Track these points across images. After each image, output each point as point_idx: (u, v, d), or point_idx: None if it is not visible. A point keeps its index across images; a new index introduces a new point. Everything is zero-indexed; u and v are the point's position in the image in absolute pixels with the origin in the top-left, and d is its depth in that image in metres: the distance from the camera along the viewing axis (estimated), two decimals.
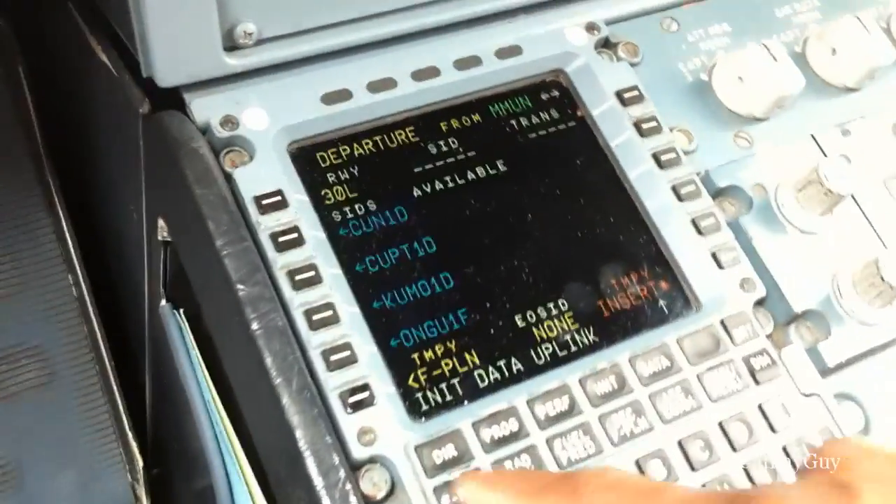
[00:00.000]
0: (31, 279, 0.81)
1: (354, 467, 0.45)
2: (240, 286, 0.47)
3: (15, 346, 0.81)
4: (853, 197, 0.57)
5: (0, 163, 0.79)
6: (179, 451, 0.77)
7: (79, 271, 0.81)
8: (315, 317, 0.47)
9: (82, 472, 0.83)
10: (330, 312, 0.48)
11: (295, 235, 0.49)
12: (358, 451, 0.45)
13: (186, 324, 0.60)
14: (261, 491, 0.52)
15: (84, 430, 0.83)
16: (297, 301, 0.48)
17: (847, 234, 0.56)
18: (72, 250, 0.81)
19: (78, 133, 0.76)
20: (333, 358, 0.47)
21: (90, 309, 0.82)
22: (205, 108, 0.52)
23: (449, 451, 0.46)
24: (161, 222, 0.58)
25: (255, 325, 0.46)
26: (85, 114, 0.72)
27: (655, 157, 0.56)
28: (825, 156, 0.59)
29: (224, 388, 0.55)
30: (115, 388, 0.83)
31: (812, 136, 0.60)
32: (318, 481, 0.44)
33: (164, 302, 0.63)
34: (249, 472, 0.54)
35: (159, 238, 0.59)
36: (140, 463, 0.82)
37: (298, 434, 0.44)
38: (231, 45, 0.53)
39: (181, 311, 0.61)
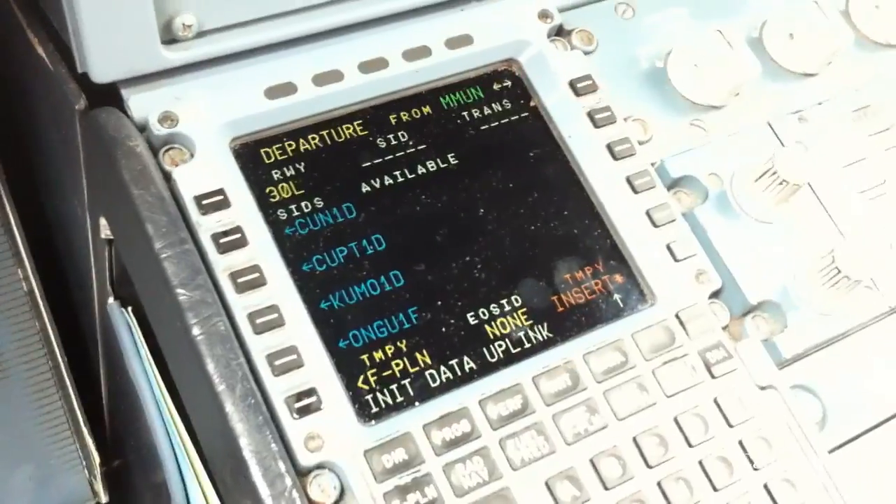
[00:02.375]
0: None
1: (302, 474, 0.44)
2: (180, 290, 0.46)
3: None
4: (810, 185, 0.57)
5: None
6: (136, 445, 0.76)
7: (28, 266, 0.79)
8: (259, 320, 0.46)
9: (38, 469, 0.82)
10: (275, 315, 0.47)
11: (238, 236, 0.48)
12: (305, 458, 0.44)
13: (135, 321, 0.58)
14: (214, 490, 0.51)
15: (39, 426, 0.81)
16: (241, 304, 0.46)
17: (804, 223, 0.56)
18: (20, 245, 0.78)
19: (22, 127, 0.74)
20: (278, 362, 0.45)
21: (41, 304, 0.80)
22: (143, 105, 0.51)
23: (399, 455, 0.45)
24: (103, 221, 0.56)
25: (196, 331, 0.45)
26: (27, 109, 0.70)
27: (609, 148, 0.55)
28: (782, 144, 0.58)
29: (175, 388, 0.54)
30: (68, 383, 0.81)
31: (769, 123, 0.59)
32: (263, 490, 0.42)
33: (111, 300, 0.62)
34: (203, 471, 0.53)
35: (102, 236, 0.57)
36: (96, 458, 0.81)
37: (243, 442, 0.43)
38: (169, 38, 0.51)
39: (129, 308, 0.59)
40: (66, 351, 0.81)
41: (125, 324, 0.59)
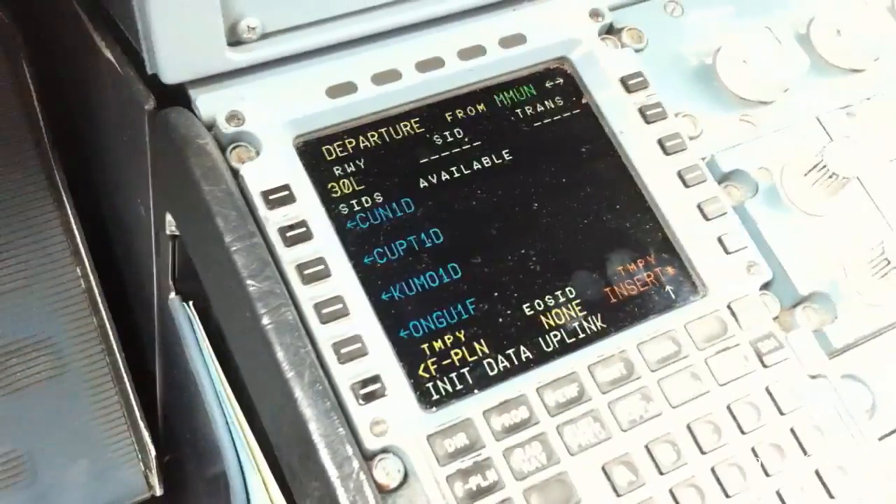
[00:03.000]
0: (39, 273, 0.81)
1: (367, 458, 0.46)
2: (250, 282, 0.47)
3: (26, 339, 0.81)
4: (859, 179, 0.57)
5: (7, 158, 0.80)
6: (191, 439, 0.77)
7: (87, 264, 0.82)
8: (325, 310, 0.48)
9: (95, 462, 0.84)
10: (339, 306, 0.48)
11: (303, 230, 0.50)
12: (371, 442, 0.46)
13: (196, 316, 0.60)
14: (275, 481, 0.53)
15: (96, 420, 0.83)
16: (307, 295, 0.48)
17: (853, 216, 0.56)
18: (79, 244, 0.81)
19: (84, 128, 0.77)
20: (344, 350, 0.47)
21: (99, 301, 0.82)
22: (210, 104, 0.52)
23: (460, 440, 0.46)
24: (169, 217, 0.58)
25: (265, 320, 0.47)
26: (90, 109, 0.72)
27: (661, 143, 0.56)
28: (830, 138, 0.59)
29: (235, 379, 0.56)
30: (125, 378, 0.83)
31: (817, 118, 0.60)
32: (332, 472, 0.44)
33: (173, 295, 0.63)
34: (263, 461, 0.54)
35: (167, 233, 0.59)
36: (153, 452, 0.83)
37: (312, 426, 0.45)
38: (235, 41, 0.53)
39: (191, 303, 0.61)
40: (122, 349, 0.83)
41: (186, 318, 0.61)
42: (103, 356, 0.83)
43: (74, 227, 0.81)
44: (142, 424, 0.84)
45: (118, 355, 0.83)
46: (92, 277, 0.82)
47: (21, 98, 0.78)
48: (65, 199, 0.81)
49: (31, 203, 0.81)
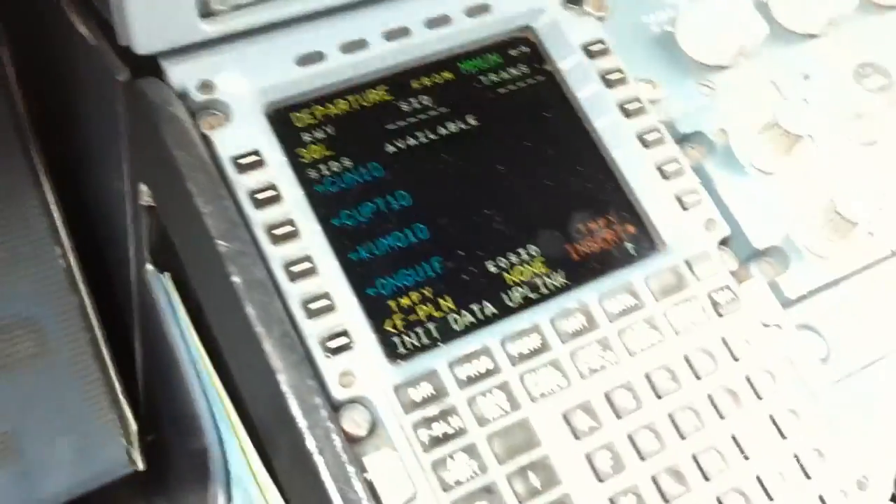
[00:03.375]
0: (19, 252, 0.82)
1: (336, 408, 0.47)
2: (220, 242, 0.49)
3: (7, 317, 0.82)
4: (812, 138, 0.59)
5: None
6: (172, 415, 0.79)
7: (65, 243, 0.83)
8: (294, 268, 0.49)
9: (79, 439, 0.85)
10: (308, 265, 0.50)
11: (273, 193, 0.51)
12: (338, 393, 0.47)
13: (172, 286, 0.62)
14: (252, 446, 0.54)
15: (79, 397, 0.85)
16: (277, 255, 0.50)
17: (806, 174, 0.58)
18: (58, 222, 0.82)
19: (59, 106, 0.78)
20: (312, 307, 0.49)
21: (78, 279, 0.83)
22: (181, 74, 0.54)
23: (426, 389, 0.48)
24: (143, 187, 0.59)
25: (236, 278, 0.48)
26: (66, 87, 0.74)
27: (622, 107, 0.58)
28: (786, 100, 0.61)
29: (212, 349, 0.57)
30: (106, 355, 0.84)
31: (773, 82, 0.62)
32: (301, 422, 0.46)
33: (149, 266, 0.65)
34: (240, 426, 0.56)
35: (142, 203, 0.61)
36: (134, 427, 0.84)
37: (281, 378, 0.46)
38: (206, 12, 0.54)
39: (167, 274, 0.62)
40: (103, 327, 0.85)
41: (163, 288, 0.63)
42: (84, 334, 0.84)
43: (53, 206, 0.82)
44: (123, 401, 0.85)
45: (98, 333, 0.84)
46: (71, 256, 0.83)
47: None
48: (43, 177, 0.82)
49: (10, 183, 0.82)
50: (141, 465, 0.87)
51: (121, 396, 0.85)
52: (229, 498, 0.63)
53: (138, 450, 0.86)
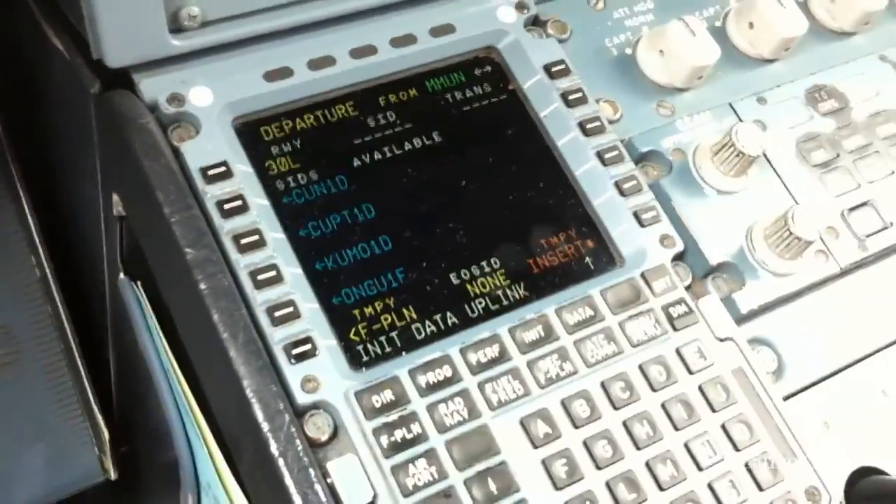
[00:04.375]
0: None
1: (299, 413, 0.48)
2: (188, 250, 0.50)
3: None
4: (767, 158, 0.61)
5: None
6: (144, 425, 0.80)
7: (41, 253, 0.84)
8: (260, 277, 0.51)
9: (51, 447, 0.85)
10: (274, 273, 0.51)
11: (240, 203, 0.53)
12: (302, 398, 0.48)
13: (144, 295, 0.63)
14: (221, 453, 0.55)
15: (51, 406, 0.85)
16: (243, 263, 0.51)
17: (761, 193, 0.60)
18: (34, 232, 0.83)
19: (35, 118, 0.79)
20: (277, 314, 0.50)
21: (53, 289, 0.84)
22: (152, 87, 0.55)
23: (387, 396, 0.49)
24: (116, 198, 0.60)
25: (202, 286, 0.50)
26: (41, 98, 0.75)
27: (581, 125, 0.60)
28: (741, 121, 0.63)
29: (183, 357, 0.58)
30: (80, 365, 0.85)
31: (730, 104, 0.64)
32: (264, 426, 0.47)
33: (121, 276, 0.66)
34: (209, 435, 0.57)
35: (115, 213, 0.62)
36: (106, 436, 0.85)
37: (245, 383, 0.48)
38: (176, 28, 0.56)
39: (138, 283, 0.64)
40: (77, 336, 0.85)
41: (135, 297, 0.64)
42: (58, 343, 0.85)
43: (29, 216, 0.83)
44: (96, 409, 0.86)
45: (72, 342, 0.85)
46: (47, 266, 0.84)
47: None
48: (19, 188, 0.83)
49: None
50: (113, 475, 0.87)
51: (94, 405, 0.85)
52: None
53: (111, 459, 0.86)
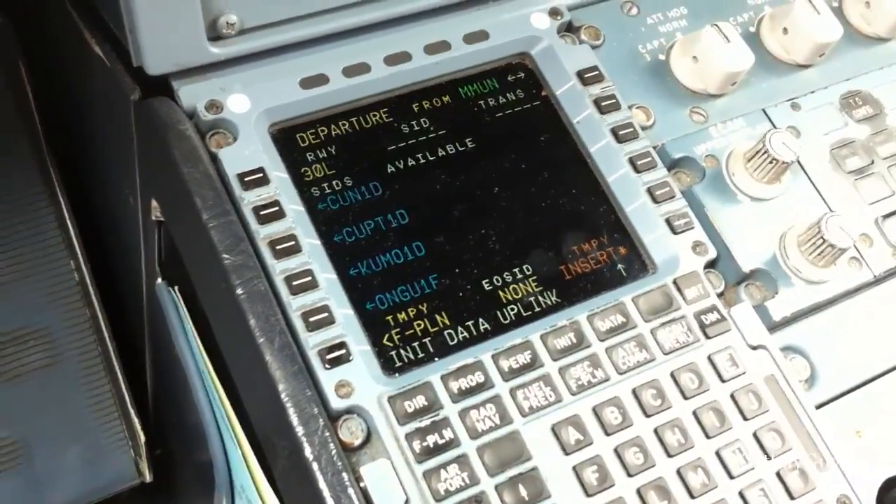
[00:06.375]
0: (35, 265, 0.85)
1: (333, 418, 0.49)
2: (225, 255, 0.51)
3: (21, 328, 0.85)
4: (801, 165, 0.61)
5: (4, 156, 0.83)
6: (179, 426, 0.81)
7: (80, 256, 0.85)
8: (295, 282, 0.51)
9: (88, 449, 0.87)
10: (309, 278, 0.52)
11: (276, 209, 0.53)
12: (336, 402, 0.49)
13: (181, 299, 0.64)
14: (254, 455, 0.56)
15: (88, 408, 0.86)
16: (279, 268, 0.52)
17: (794, 200, 0.60)
18: (73, 236, 0.85)
19: (75, 124, 0.80)
20: (312, 319, 0.51)
21: (91, 292, 0.86)
22: (191, 94, 0.56)
23: (419, 401, 0.50)
24: (154, 203, 0.62)
25: (239, 291, 0.50)
26: (82, 105, 0.76)
27: (614, 131, 0.60)
28: (775, 127, 0.63)
29: (218, 362, 0.59)
30: (117, 367, 0.86)
31: (763, 110, 0.64)
32: (299, 430, 0.48)
33: (159, 280, 0.67)
34: (244, 437, 0.57)
35: (153, 218, 0.63)
36: (143, 438, 0.86)
37: (280, 387, 0.48)
38: (215, 36, 0.57)
39: (176, 288, 0.65)
40: (114, 340, 0.87)
41: (172, 302, 0.65)
42: (95, 346, 0.87)
43: (68, 220, 0.85)
44: (132, 412, 0.87)
45: (110, 345, 0.86)
46: (85, 269, 0.85)
47: (17, 97, 0.82)
48: (59, 194, 0.84)
49: (27, 199, 0.84)
50: (149, 477, 0.88)
51: (130, 408, 0.86)
52: None
53: (146, 462, 0.88)
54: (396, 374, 0.51)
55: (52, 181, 0.84)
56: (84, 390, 0.87)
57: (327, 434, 0.48)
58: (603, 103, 0.60)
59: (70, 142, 0.83)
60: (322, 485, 0.47)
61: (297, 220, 0.54)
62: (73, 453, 0.87)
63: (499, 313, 0.54)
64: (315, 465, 0.47)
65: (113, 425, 0.88)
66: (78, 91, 0.75)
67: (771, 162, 0.58)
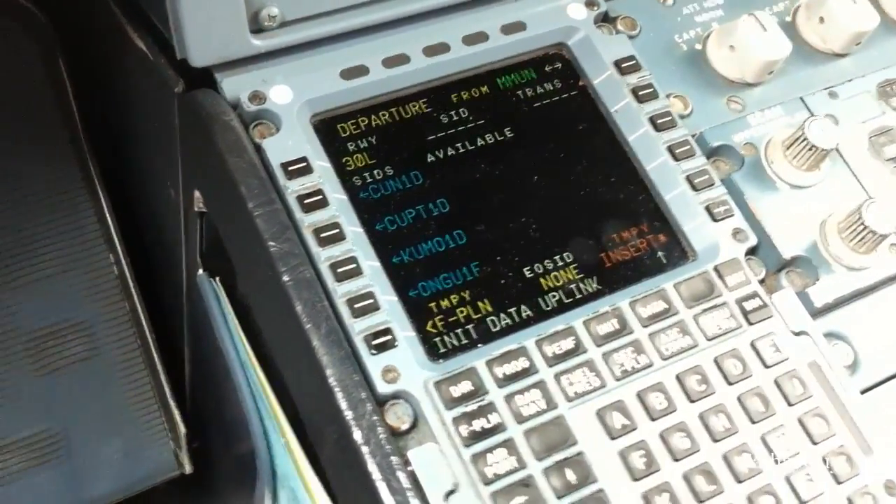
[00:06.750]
0: (75, 259, 0.86)
1: (380, 403, 0.49)
2: (271, 243, 0.52)
3: (61, 322, 0.86)
4: (839, 152, 0.61)
5: (44, 150, 0.84)
6: (219, 418, 0.82)
7: (119, 250, 0.86)
8: (340, 269, 0.52)
9: (127, 441, 0.88)
10: (353, 266, 0.52)
11: (319, 197, 0.54)
12: (382, 388, 0.50)
13: (223, 290, 0.65)
14: (298, 442, 0.57)
15: (128, 400, 0.88)
16: (323, 256, 0.52)
17: (833, 187, 0.60)
18: (112, 231, 0.86)
19: (115, 119, 0.81)
20: (358, 305, 0.51)
21: (131, 285, 0.87)
22: (234, 86, 0.57)
23: (465, 386, 0.50)
24: (197, 194, 0.62)
25: (286, 277, 0.51)
26: (122, 100, 0.77)
27: (652, 120, 0.60)
28: (812, 116, 0.63)
29: (259, 351, 0.60)
30: (156, 359, 0.87)
31: (801, 98, 0.64)
32: (348, 414, 0.48)
33: (200, 271, 0.68)
34: (287, 425, 0.58)
35: (195, 210, 0.64)
36: (183, 430, 0.87)
37: (328, 373, 0.49)
38: (257, 28, 0.57)
39: (217, 279, 0.65)
40: (154, 332, 0.88)
41: (213, 292, 0.66)
42: (135, 339, 0.88)
43: (108, 215, 0.86)
44: (172, 404, 0.88)
45: (149, 337, 0.87)
46: (124, 263, 0.87)
47: (57, 93, 0.83)
48: (98, 188, 0.86)
49: (68, 194, 0.85)
50: (188, 469, 0.89)
51: (170, 400, 0.87)
52: (275, 497, 0.65)
53: (186, 453, 0.88)
54: (441, 360, 0.52)
55: (91, 176, 0.86)
56: (123, 383, 0.88)
57: (375, 418, 0.48)
58: (640, 92, 0.61)
59: (110, 137, 0.84)
60: (371, 468, 0.47)
61: (340, 208, 0.54)
62: (113, 445, 0.88)
63: (540, 300, 0.55)
64: (364, 449, 0.47)
65: (152, 417, 0.89)
66: (118, 86, 0.76)
67: (810, 149, 0.58)
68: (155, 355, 0.88)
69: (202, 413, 0.89)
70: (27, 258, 0.85)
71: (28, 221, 0.85)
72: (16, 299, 0.85)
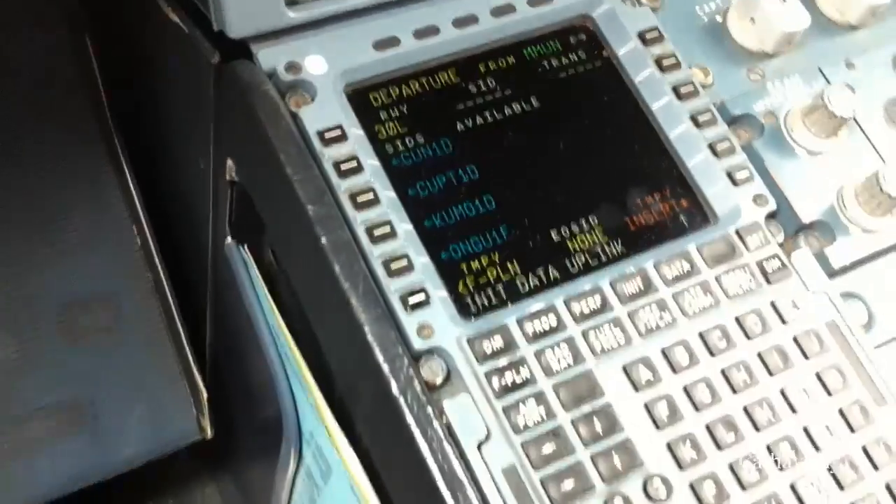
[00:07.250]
0: (99, 231, 0.87)
1: (415, 357, 0.52)
2: (310, 206, 0.54)
3: (87, 293, 0.87)
4: (856, 120, 0.63)
5: (68, 123, 0.86)
6: (242, 384, 0.83)
7: (143, 222, 0.88)
8: (375, 232, 0.54)
9: (151, 408, 0.89)
10: (388, 229, 0.54)
11: (354, 164, 0.56)
12: (418, 343, 0.52)
13: (251, 257, 0.67)
14: (327, 405, 0.59)
15: (152, 368, 0.89)
16: (360, 219, 0.54)
17: (850, 153, 0.62)
18: (136, 202, 0.87)
19: (140, 92, 0.83)
20: (393, 266, 0.53)
21: (155, 257, 0.89)
22: (270, 57, 0.59)
23: (497, 342, 0.52)
24: (230, 163, 0.64)
25: (324, 240, 0.53)
26: (149, 73, 0.79)
27: (675, 89, 0.62)
28: (831, 85, 0.64)
29: (286, 317, 0.62)
30: (180, 330, 0.89)
31: (819, 68, 0.66)
32: (385, 367, 0.50)
33: (229, 240, 0.70)
34: (315, 386, 0.60)
35: (227, 178, 0.65)
36: (204, 395, 0.89)
37: (366, 329, 0.51)
38: (292, 0, 0.59)
39: (245, 246, 0.67)
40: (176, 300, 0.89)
41: (241, 260, 0.67)
42: (159, 309, 0.89)
43: (133, 189, 0.88)
44: (195, 369, 0.89)
45: (173, 308, 0.89)
46: (148, 235, 0.88)
47: (83, 69, 0.84)
48: (123, 163, 0.87)
49: (93, 168, 0.87)
50: (210, 433, 0.91)
51: (192, 366, 0.89)
52: (300, 456, 0.67)
53: (208, 418, 0.90)
54: (473, 318, 0.54)
55: (116, 152, 0.87)
56: (147, 352, 0.90)
57: (412, 372, 0.50)
58: (664, 62, 0.62)
59: (135, 112, 0.86)
60: (409, 419, 0.49)
61: (374, 174, 0.56)
62: (138, 412, 0.89)
63: (567, 262, 0.57)
64: (402, 400, 0.49)
65: (176, 384, 0.90)
66: (144, 57, 0.77)
67: (829, 117, 0.60)
68: (178, 324, 0.89)
69: (224, 380, 0.91)
70: (54, 232, 0.86)
71: (54, 196, 0.86)
72: (43, 272, 0.87)
